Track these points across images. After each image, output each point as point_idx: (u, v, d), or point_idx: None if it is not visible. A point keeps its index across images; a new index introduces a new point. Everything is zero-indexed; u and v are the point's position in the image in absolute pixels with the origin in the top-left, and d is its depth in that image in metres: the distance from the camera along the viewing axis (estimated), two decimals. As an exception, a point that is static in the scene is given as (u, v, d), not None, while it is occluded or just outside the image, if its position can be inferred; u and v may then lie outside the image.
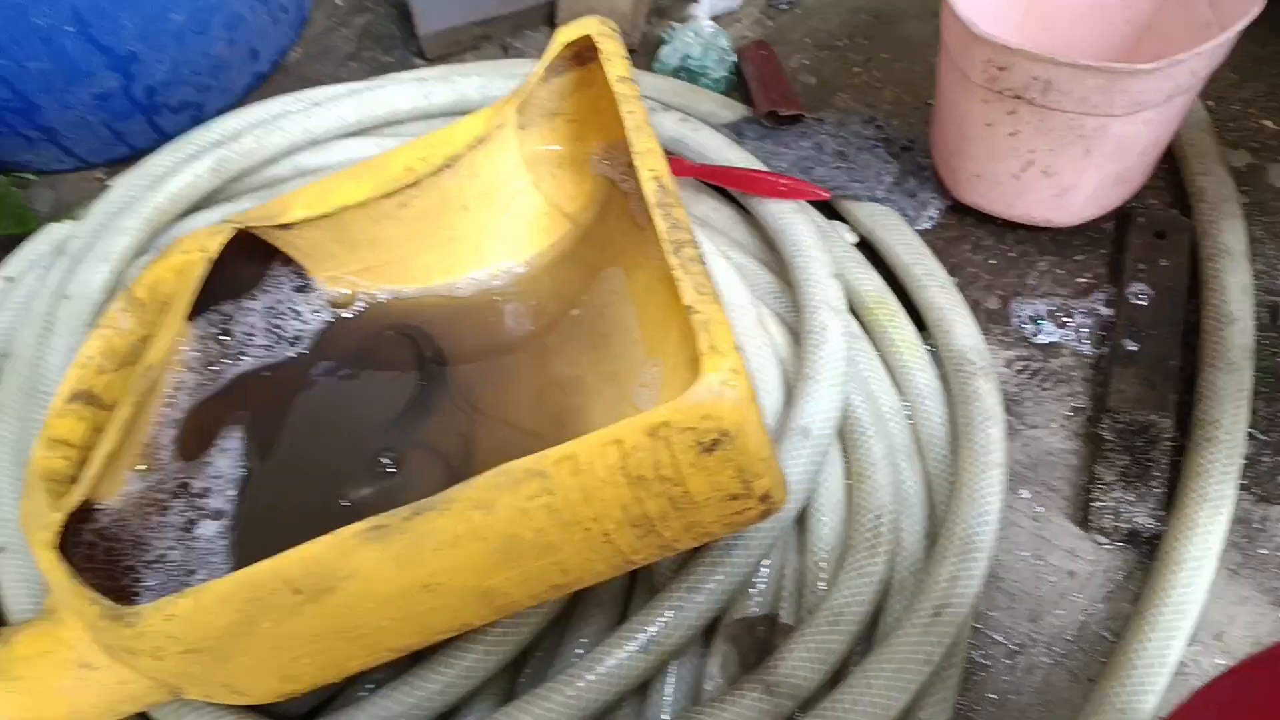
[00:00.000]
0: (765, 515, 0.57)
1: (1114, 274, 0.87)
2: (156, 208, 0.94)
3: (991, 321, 0.86)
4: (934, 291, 0.83)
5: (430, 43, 1.11)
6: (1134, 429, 0.77)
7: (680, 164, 0.90)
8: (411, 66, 1.14)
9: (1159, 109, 0.75)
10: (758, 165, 0.90)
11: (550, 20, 1.10)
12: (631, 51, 1.09)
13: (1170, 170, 0.92)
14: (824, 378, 0.73)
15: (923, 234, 0.92)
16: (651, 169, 0.59)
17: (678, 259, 0.55)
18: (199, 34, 1.03)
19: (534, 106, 0.77)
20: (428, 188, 0.70)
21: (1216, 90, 0.97)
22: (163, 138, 1.08)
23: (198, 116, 1.10)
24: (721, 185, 0.89)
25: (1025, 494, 0.77)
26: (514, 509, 0.52)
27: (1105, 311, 0.85)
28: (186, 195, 0.97)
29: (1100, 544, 0.74)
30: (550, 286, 0.78)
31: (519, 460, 0.51)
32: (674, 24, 1.07)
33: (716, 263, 0.81)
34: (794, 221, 0.84)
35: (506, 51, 1.13)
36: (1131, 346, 0.81)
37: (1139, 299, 0.83)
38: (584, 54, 0.72)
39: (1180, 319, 0.82)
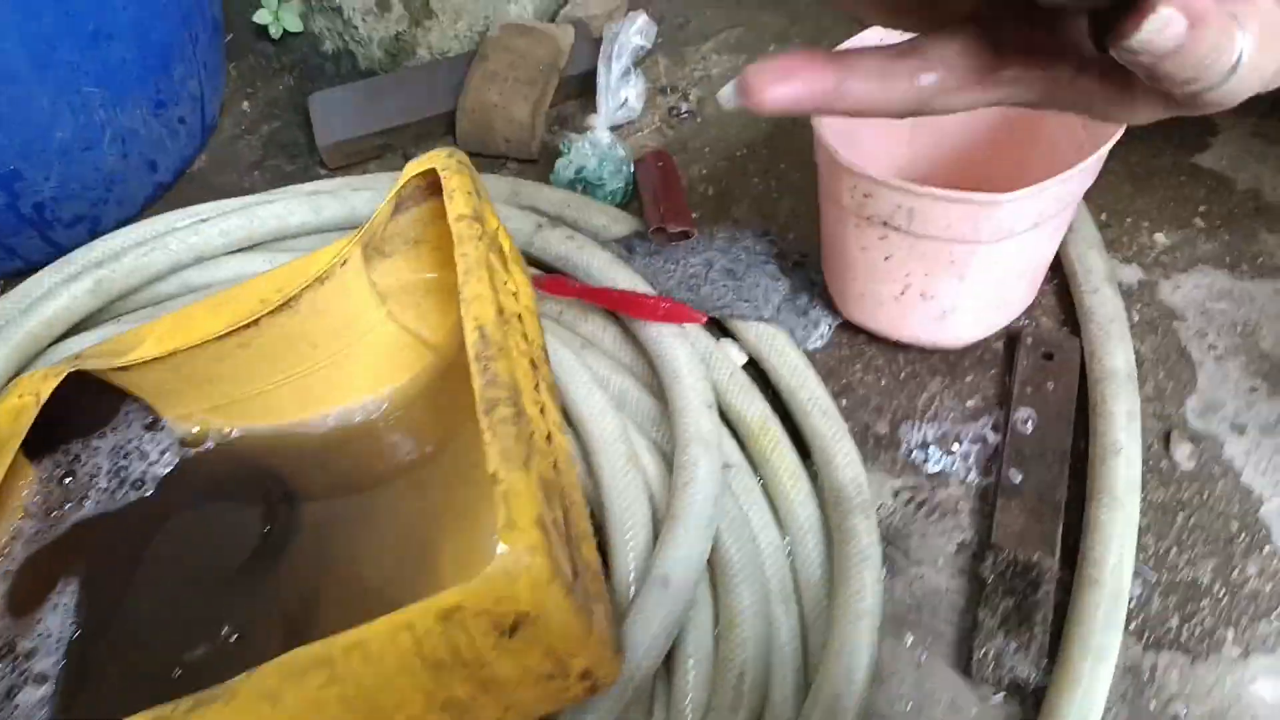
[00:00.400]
0: (592, 692, 0.54)
1: (1003, 397, 0.85)
2: (29, 333, 0.91)
3: (880, 448, 0.84)
4: (816, 419, 0.81)
5: (330, 153, 1.10)
6: (1017, 569, 0.74)
7: (562, 284, 0.88)
8: (315, 176, 1.13)
9: (1030, 234, 0.74)
10: (641, 285, 0.88)
11: (453, 130, 1.09)
12: (531, 162, 1.09)
13: (1062, 285, 0.91)
14: (688, 520, 0.70)
15: (814, 353, 0.90)
16: (476, 317, 0.57)
17: (488, 420, 0.52)
18: (87, 150, 1.01)
19: (396, 235, 0.75)
20: (267, 328, 0.68)
21: (1109, 202, 0.96)
22: (58, 251, 1.06)
23: (94, 229, 1.08)
24: (603, 307, 0.87)
25: (909, 638, 0.74)
26: (304, 700, 0.48)
27: (993, 438, 0.83)
28: (64, 317, 0.94)
29: (984, 696, 0.70)
30: (413, 421, 0.75)
31: (305, 648, 0.48)
32: (572, 134, 1.06)
33: (589, 394, 0.79)
34: (672, 346, 0.82)
35: (406, 161, 1.12)
36: (1017, 477, 0.78)
37: (1025, 425, 0.81)
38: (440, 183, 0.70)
39: (1067, 447, 0.79)
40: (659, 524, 0.74)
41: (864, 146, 0.90)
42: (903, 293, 0.81)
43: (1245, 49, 0.23)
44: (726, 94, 0.30)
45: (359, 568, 0.68)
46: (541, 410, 0.61)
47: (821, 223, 0.87)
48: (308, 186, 1.02)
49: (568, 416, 0.81)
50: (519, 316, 0.66)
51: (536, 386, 0.63)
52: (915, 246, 0.75)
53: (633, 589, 0.70)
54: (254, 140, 1.19)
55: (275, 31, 1.27)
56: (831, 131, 0.87)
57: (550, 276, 0.89)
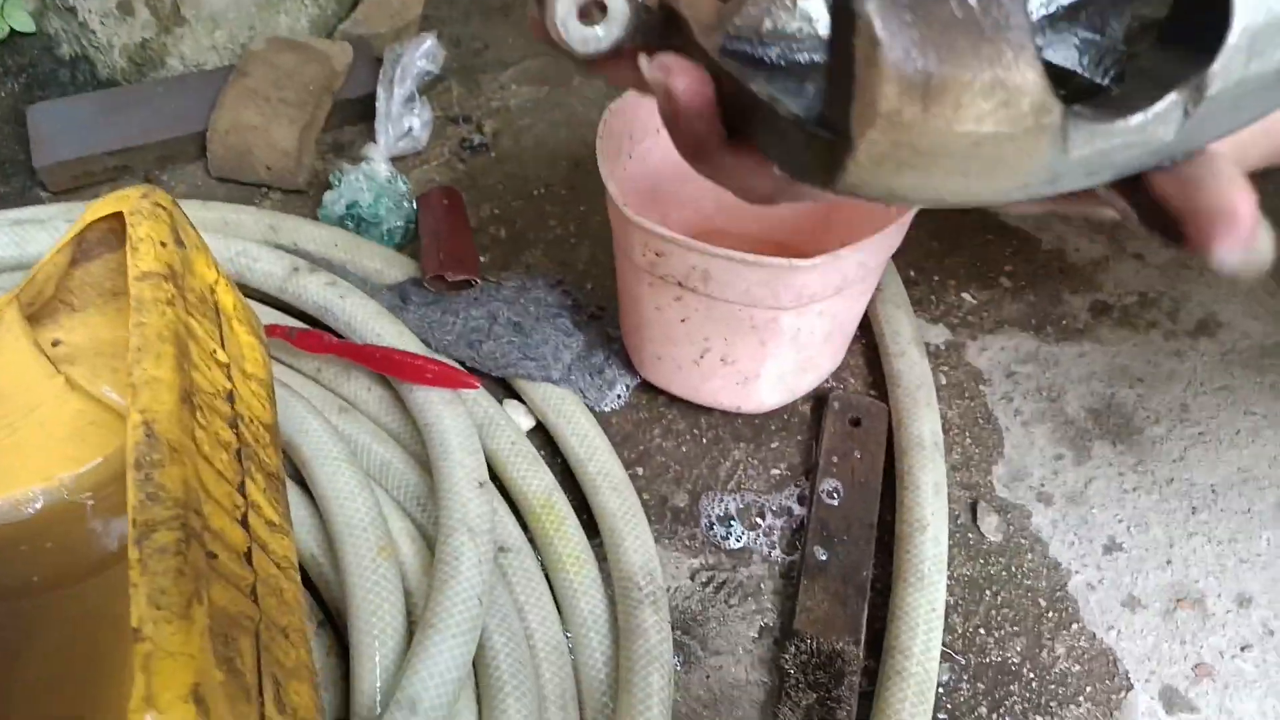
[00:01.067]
0: None
1: (809, 465, 0.78)
2: None
3: (679, 522, 0.76)
4: (606, 495, 0.72)
5: (51, 174, 0.94)
6: (820, 659, 0.67)
7: (317, 340, 0.75)
8: (35, 200, 0.96)
9: (834, 299, 0.68)
10: (411, 342, 0.77)
11: (204, 151, 0.94)
12: (297, 193, 0.96)
13: (871, 344, 0.86)
14: (445, 627, 0.59)
15: (609, 415, 0.81)
16: (144, 410, 0.45)
17: (138, 552, 0.40)
18: None
19: (87, 285, 0.61)
20: (-111, 407, 0.53)
21: (917, 259, 0.93)
22: None
23: None
24: (364, 366, 0.75)
25: (703, 744, 0.65)
26: None
27: (798, 510, 0.76)
28: None
29: (781, 810, 0.63)
30: (106, 511, 0.61)
31: None
32: (346, 164, 0.94)
33: (336, 471, 0.67)
34: (441, 414, 0.71)
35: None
36: (822, 555, 0.72)
37: (831, 498, 0.74)
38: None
39: (874, 520, 0.73)
40: (417, 624, 0.63)
41: (669, 196, 0.83)
42: (702, 356, 0.74)
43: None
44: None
45: (11, 703, 0.54)
46: (244, 517, 0.49)
47: (618, 277, 0.78)
48: (13, 214, 0.86)
49: (312, 497, 0.69)
50: (229, 395, 0.54)
51: (242, 485, 0.51)
52: (713, 309, 0.68)
53: (378, 710, 0.59)
54: (-36, 156, 1.01)
55: (0, 31, 1.09)
56: (630, 178, 0.78)
57: (305, 330, 0.76)
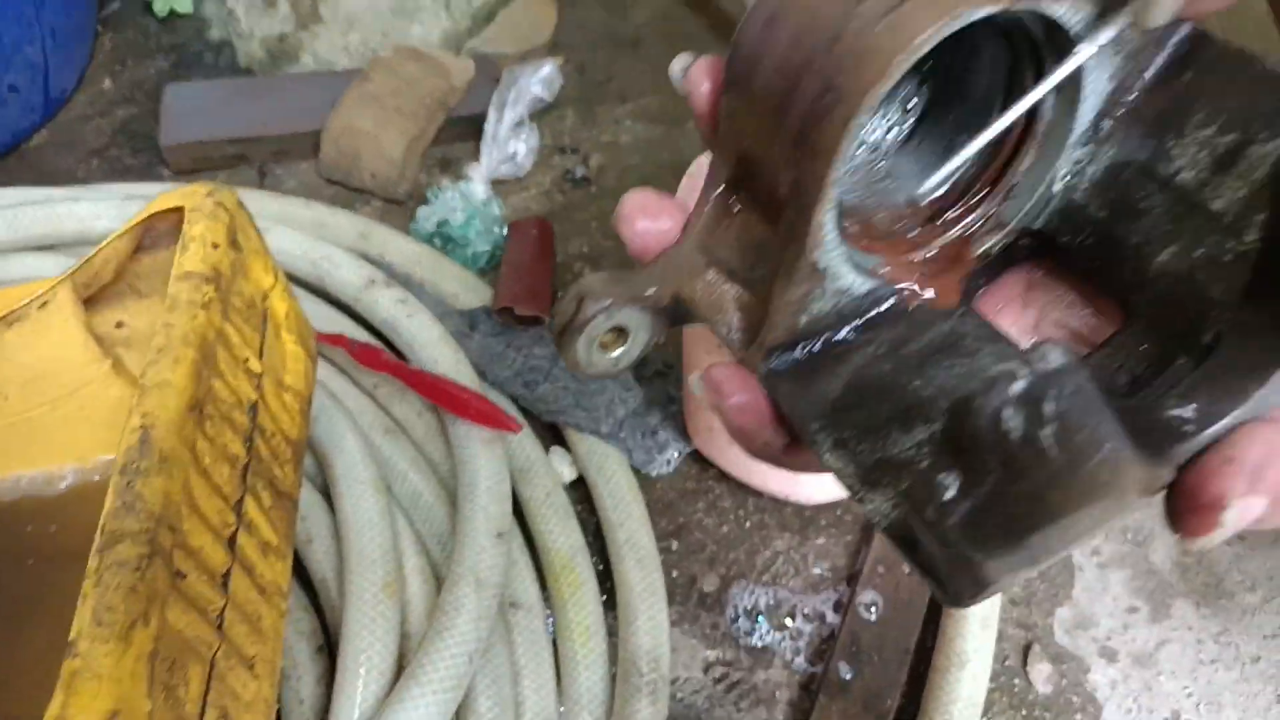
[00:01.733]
0: None
1: (852, 571, 0.73)
2: None
3: (703, 607, 0.72)
4: (629, 565, 0.69)
5: (173, 154, 0.97)
6: (822, 790, 0.62)
7: (375, 356, 0.75)
8: (158, 177, 0.99)
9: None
10: (466, 371, 0.76)
11: (318, 150, 0.96)
12: (396, 203, 0.96)
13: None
14: (429, 681, 0.57)
15: (655, 481, 0.78)
16: (146, 414, 0.44)
17: (97, 561, 0.39)
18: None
19: (154, 273, 0.62)
20: (-65, 369, 0.54)
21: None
22: None
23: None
24: (414, 390, 0.74)
25: None
26: None
27: (832, 618, 0.71)
28: None
29: None
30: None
31: None
32: (447, 181, 0.94)
33: (362, 496, 0.66)
34: (476, 454, 0.69)
35: (263, 178, 0.99)
36: (847, 673, 0.66)
37: (869, 611, 0.69)
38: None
39: (911, 645, 0.68)
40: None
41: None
42: (753, 436, 0.70)
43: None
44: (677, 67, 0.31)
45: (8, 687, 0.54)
46: (233, 537, 0.48)
47: (684, 335, 0.75)
48: (126, 188, 0.89)
49: (336, 519, 0.68)
50: (252, 407, 0.54)
51: (240, 503, 0.50)
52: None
53: (352, 751, 0.57)
54: (104, 124, 1.06)
55: (161, 9, 1.14)
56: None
57: (364, 346, 0.76)
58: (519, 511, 0.73)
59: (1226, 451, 0.24)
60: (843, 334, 0.29)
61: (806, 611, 0.71)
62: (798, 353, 0.29)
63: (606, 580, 0.71)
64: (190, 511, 0.45)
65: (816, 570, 0.73)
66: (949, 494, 0.23)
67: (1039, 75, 0.28)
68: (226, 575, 0.47)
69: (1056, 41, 0.27)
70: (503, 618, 0.66)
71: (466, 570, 0.63)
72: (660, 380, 0.82)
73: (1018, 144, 0.30)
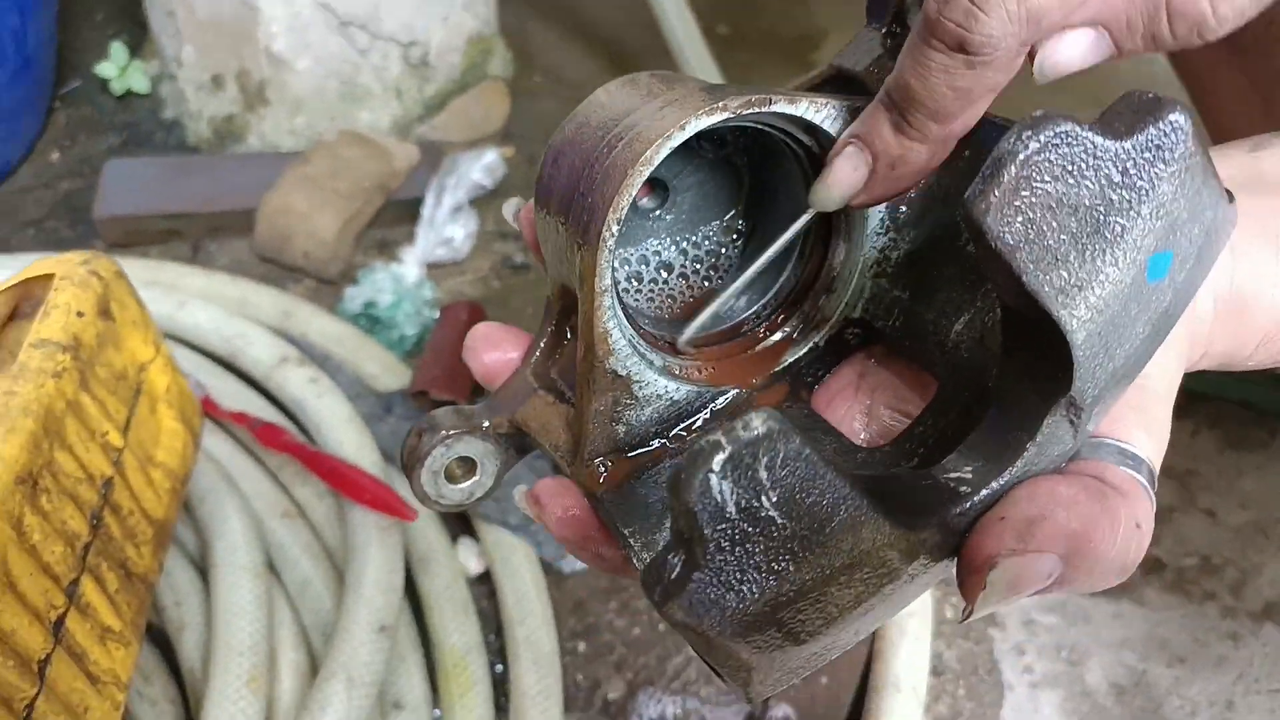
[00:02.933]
0: None
1: (767, 681, 0.69)
2: None
3: (606, 716, 0.67)
4: (525, 666, 0.65)
5: (106, 227, 0.96)
6: None
7: (277, 436, 0.72)
8: (90, 249, 0.98)
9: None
10: (370, 455, 0.73)
11: (253, 228, 0.95)
12: (329, 283, 0.95)
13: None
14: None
15: (569, 577, 0.74)
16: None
17: None
18: None
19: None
20: None
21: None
22: None
23: None
24: (313, 472, 0.71)
25: None
26: None
27: (743, 731, 0.66)
28: None
29: None
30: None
31: None
32: (379, 263, 0.93)
33: (237, 584, 0.62)
34: (369, 543, 0.66)
35: (196, 253, 0.98)
36: (753, 793, 0.62)
37: (781, 726, 0.65)
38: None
39: (823, 765, 0.63)
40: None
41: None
42: (661, 532, 0.67)
43: None
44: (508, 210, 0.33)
45: None
46: (60, 620, 0.45)
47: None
48: (38, 258, 0.87)
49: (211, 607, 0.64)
50: (106, 482, 0.50)
51: (75, 584, 0.46)
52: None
53: None
54: (46, 196, 1.05)
55: (118, 88, 1.15)
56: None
57: (266, 425, 0.73)
58: (416, 604, 0.69)
59: (1000, 510, 0.24)
60: (670, 439, 0.30)
61: (716, 723, 0.67)
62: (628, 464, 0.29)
63: (505, 682, 0.67)
64: (4, 591, 0.42)
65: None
66: (673, 573, 0.22)
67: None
68: (45, 661, 0.44)
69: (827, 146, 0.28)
70: (382, 718, 0.61)
71: (340, 666, 0.58)
72: (580, 471, 0.79)
73: (826, 241, 0.31)
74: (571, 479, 0.30)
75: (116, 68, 1.15)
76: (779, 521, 0.22)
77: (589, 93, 0.30)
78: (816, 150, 0.29)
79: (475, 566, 0.73)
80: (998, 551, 0.23)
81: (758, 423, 0.21)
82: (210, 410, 0.72)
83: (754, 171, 0.32)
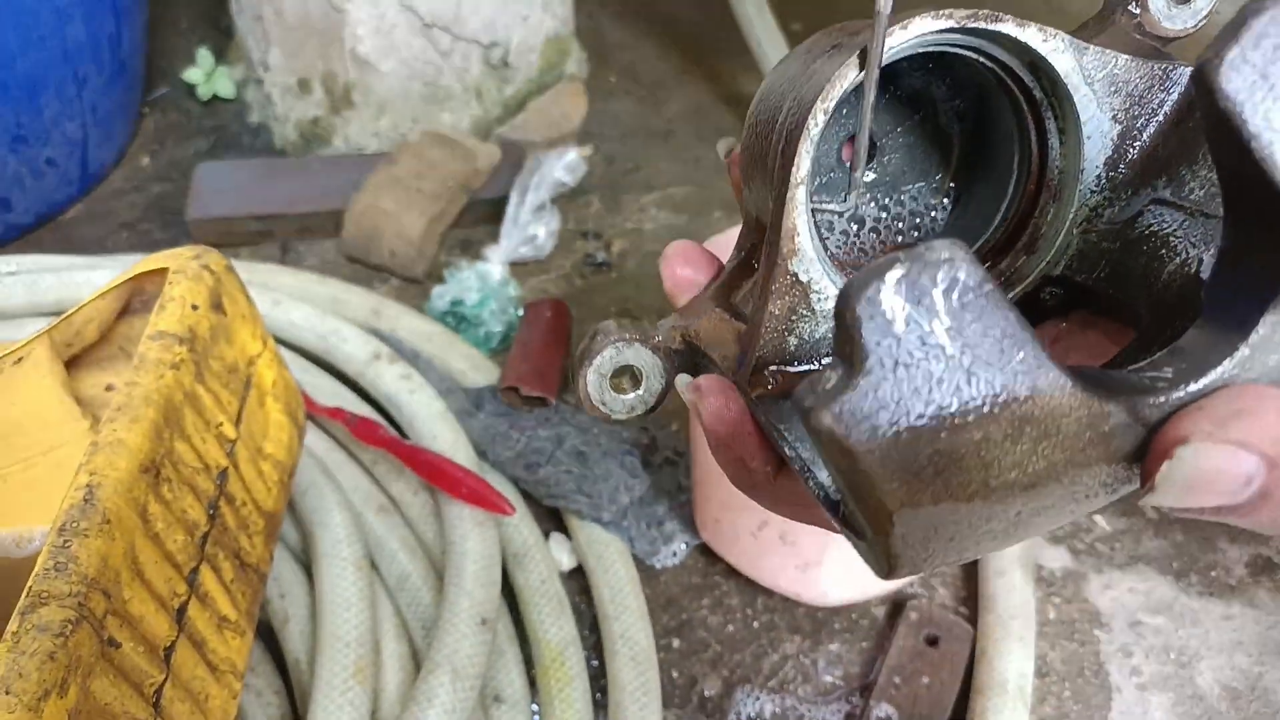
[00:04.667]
0: None
1: (868, 681, 0.68)
2: None
3: (703, 713, 0.66)
4: (622, 663, 0.64)
5: (198, 228, 0.98)
6: None
7: (373, 431, 0.73)
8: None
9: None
10: (464, 450, 0.73)
11: (340, 229, 0.97)
12: (414, 281, 0.96)
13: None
14: (391, 779, 0.53)
15: (659, 573, 0.74)
16: (94, 473, 0.42)
17: (17, 622, 0.36)
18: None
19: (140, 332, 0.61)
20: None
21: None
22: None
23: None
24: (410, 467, 0.72)
25: None
26: None
27: (843, 732, 0.65)
28: None
29: None
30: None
31: None
32: (464, 261, 0.93)
33: (341, 576, 0.62)
34: (467, 536, 0.66)
35: (285, 254, 0.99)
36: (856, 794, 0.60)
37: (883, 726, 0.64)
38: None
39: (928, 767, 0.62)
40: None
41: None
42: (760, 529, 0.66)
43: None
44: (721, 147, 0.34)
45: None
46: (183, 607, 0.45)
47: (689, 423, 0.72)
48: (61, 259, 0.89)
49: (314, 597, 0.64)
50: (221, 473, 0.51)
51: (195, 572, 0.47)
52: (772, 477, 0.60)
53: None
54: (138, 199, 1.08)
55: (204, 93, 1.18)
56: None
57: (362, 420, 0.74)
58: (512, 599, 0.69)
59: (1200, 401, 0.21)
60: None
61: (814, 723, 0.66)
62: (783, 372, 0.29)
63: (601, 677, 0.67)
64: (133, 577, 0.43)
65: (828, 678, 0.68)
66: (828, 384, 0.21)
67: (1040, 132, 0.28)
68: (170, 648, 0.44)
69: (1058, 94, 0.27)
70: (484, 711, 0.61)
71: (444, 659, 0.59)
72: (669, 468, 0.79)
73: (1035, 199, 0.30)
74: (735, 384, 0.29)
75: (203, 73, 1.18)
76: (948, 350, 0.20)
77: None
78: (1039, 96, 0.28)
79: (567, 562, 0.73)
80: (1188, 432, 0.20)
81: (941, 247, 0.20)
82: (308, 406, 0.73)
83: (966, 138, 0.32)
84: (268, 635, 0.66)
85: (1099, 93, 0.27)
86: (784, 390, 0.29)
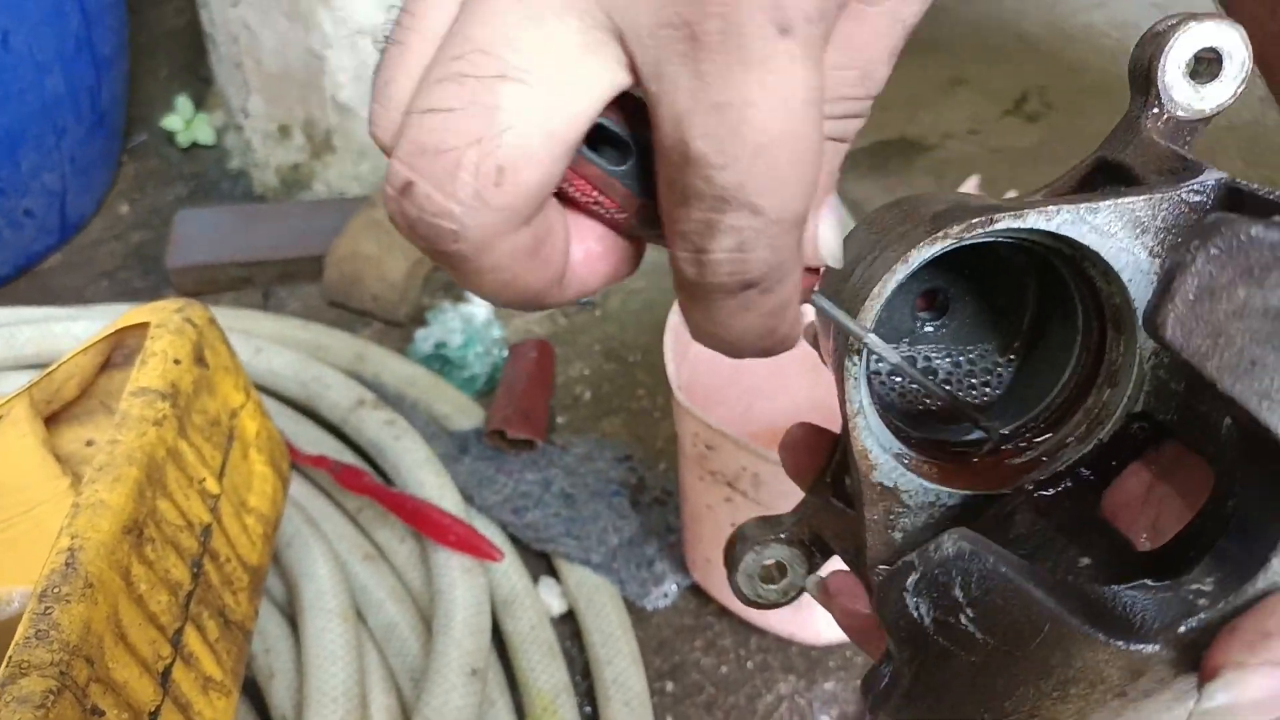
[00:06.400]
0: None
1: (863, 719, 0.67)
2: None
3: (698, 757, 0.66)
4: (616, 709, 0.63)
5: (180, 277, 0.98)
6: None
7: (358, 478, 0.72)
8: (163, 298, 1.00)
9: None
10: (450, 496, 0.72)
11: (322, 274, 0.96)
12: (397, 325, 0.95)
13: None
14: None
15: (651, 615, 0.73)
16: (75, 535, 0.41)
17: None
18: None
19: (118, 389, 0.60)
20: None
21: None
22: None
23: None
24: (395, 514, 0.71)
25: None
26: None
27: (840, 773, 0.64)
28: None
29: None
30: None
31: None
32: (448, 304, 0.93)
33: (325, 628, 0.61)
34: (455, 584, 0.65)
35: (267, 300, 0.99)
36: (856, 838, 0.60)
37: (880, 767, 0.63)
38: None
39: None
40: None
41: (757, 389, 0.76)
42: (750, 568, 0.65)
43: None
44: None
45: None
46: (167, 670, 0.44)
47: (679, 464, 0.72)
48: (126, 309, 0.88)
49: (299, 651, 0.63)
50: (205, 529, 0.50)
51: (179, 633, 0.46)
52: (762, 517, 0.60)
53: None
54: (118, 247, 1.07)
55: (183, 140, 1.18)
56: (712, 357, 0.73)
57: (347, 467, 0.73)
58: (501, 646, 0.68)
59: (1235, 621, 0.22)
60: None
61: (811, 765, 0.65)
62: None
63: (595, 723, 0.66)
64: (116, 642, 0.42)
65: (824, 718, 0.67)
66: (883, 682, 0.24)
67: (1088, 278, 0.30)
68: (155, 713, 0.43)
69: (1098, 266, 0.28)
70: (475, 766, 0.60)
71: (433, 712, 0.58)
72: (658, 508, 0.78)
73: (1103, 334, 0.31)
74: (861, 577, 0.32)
75: (182, 120, 1.18)
76: (979, 638, 0.22)
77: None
78: (1086, 267, 0.29)
79: (558, 607, 0.72)
80: (1223, 664, 0.21)
81: (948, 543, 0.22)
82: (291, 455, 0.73)
83: (1038, 295, 0.33)
84: (253, 691, 0.65)
85: (1124, 240, 0.27)
86: None
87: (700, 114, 0.21)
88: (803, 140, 0.21)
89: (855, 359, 0.28)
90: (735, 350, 0.25)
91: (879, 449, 0.30)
